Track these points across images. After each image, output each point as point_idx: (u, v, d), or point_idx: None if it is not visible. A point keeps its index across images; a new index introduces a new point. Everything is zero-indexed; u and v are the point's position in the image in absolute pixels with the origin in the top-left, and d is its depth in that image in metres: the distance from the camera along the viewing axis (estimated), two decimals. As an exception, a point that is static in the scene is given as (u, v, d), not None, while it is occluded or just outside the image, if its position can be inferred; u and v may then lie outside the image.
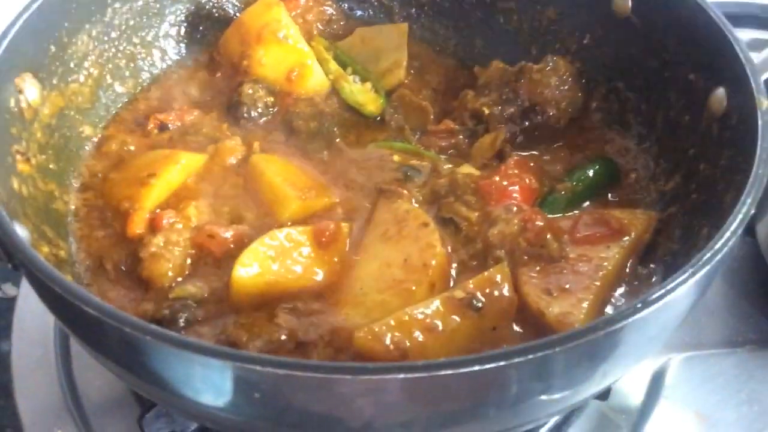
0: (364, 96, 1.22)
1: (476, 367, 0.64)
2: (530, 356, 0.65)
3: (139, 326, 0.67)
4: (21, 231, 0.83)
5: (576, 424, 1.06)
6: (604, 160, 1.16)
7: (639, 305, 0.71)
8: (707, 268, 0.75)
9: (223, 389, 0.69)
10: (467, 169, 1.12)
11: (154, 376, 0.73)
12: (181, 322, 0.92)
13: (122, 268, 1.00)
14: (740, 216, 0.79)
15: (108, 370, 0.86)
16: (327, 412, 0.70)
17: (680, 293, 0.73)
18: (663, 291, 0.72)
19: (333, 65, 1.25)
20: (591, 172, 1.13)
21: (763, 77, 0.97)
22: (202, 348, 0.66)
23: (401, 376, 0.64)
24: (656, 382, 1.10)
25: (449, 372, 0.65)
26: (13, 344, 1.17)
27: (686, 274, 0.74)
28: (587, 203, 1.11)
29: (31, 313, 1.20)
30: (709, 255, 0.76)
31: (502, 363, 0.65)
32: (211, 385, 0.69)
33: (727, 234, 0.77)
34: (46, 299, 0.80)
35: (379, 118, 1.23)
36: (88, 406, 1.10)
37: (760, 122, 0.89)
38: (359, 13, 1.38)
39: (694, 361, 1.13)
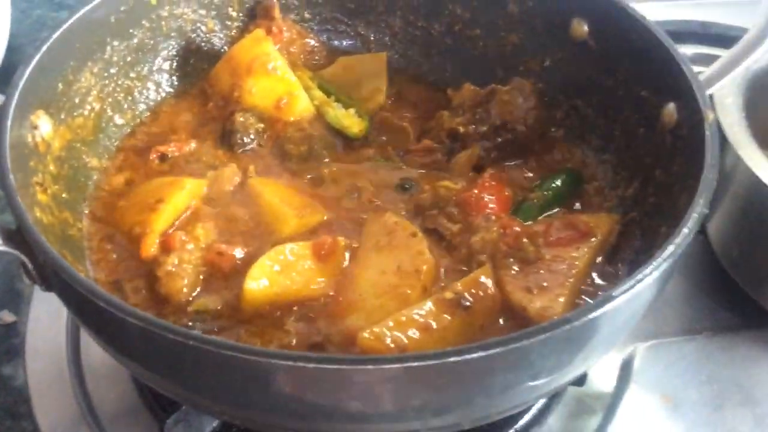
0: (348, 120, 1.33)
1: (480, 353, 0.74)
2: (524, 342, 0.76)
3: (182, 333, 0.76)
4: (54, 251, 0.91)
5: (556, 409, 1.16)
6: (570, 171, 1.28)
7: (612, 295, 0.82)
8: (669, 262, 0.86)
9: (258, 385, 0.78)
10: (447, 183, 1.22)
11: (191, 379, 0.82)
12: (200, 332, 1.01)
13: (140, 288, 1.08)
14: (694, 215, 0.90)
15: (137, 377, 0.94)
16: (347, 400, 0.79)
17: (646, 284, 0.84)
18: (632, 282, 0.83)
19: (317, 93, 1.35)
20: (558, 182, 1.25)
21: (708, 92, 1.10)
22: (247, 350, 0.75)
23: (414, 364, 0.74)
24: (625, 368, 1.21)
25: (456, 359, 0.75)
26: (28, 366, 1.24)
27: (651, 267, 0.86)
28: (556, 209, 1.23)
29: (42, 337, 1.27)
30: (670, 250, 0.87)
31: (499, 349, 0.76)
32: (247, 383, 0.78)
33: (684, 231, 0.88)
34: (84, 315, 0.88)
35: (362, 140, 1.33)
36: (104, 418, 1.17)
37: (707, 132, 1.00)
38: (337, 43, 1.48)
39: (658, 348, 1.24)
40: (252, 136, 1.29)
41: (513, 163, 1.29)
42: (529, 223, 1.18)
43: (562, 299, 1.03)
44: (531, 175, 1.28)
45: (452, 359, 0.74)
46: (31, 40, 1.91)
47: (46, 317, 1.29)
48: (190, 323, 1.01)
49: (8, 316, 1.36)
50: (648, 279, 0.84)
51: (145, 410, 1.17)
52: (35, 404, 1.20)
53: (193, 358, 0.78)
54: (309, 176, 1.26)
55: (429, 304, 0.99)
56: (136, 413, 1.17)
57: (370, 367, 0.73)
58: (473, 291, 1.02)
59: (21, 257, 0.90)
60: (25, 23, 1.95)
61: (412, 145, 1.31)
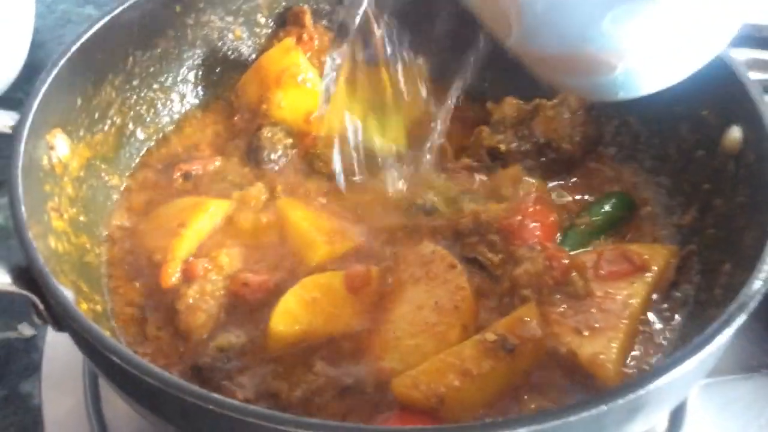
0: (383, 136, 1.25)
1: (534, 426, 0.67)
2: (584, 414, 0.68)
3: (202, 396, 0.69)
4: (67, 293, 0.85)
5: (604, 454, 1.09)
6: (620, 194, 1.19)
7: (683, 356, 0.74)
8: (743, 315, 0.78)
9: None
10: (491, 205, 1.14)
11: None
12: (221, 372, 0.94)
13: (159, 320, 1.01)
14: (767, 266, 0.82)
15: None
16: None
17: (719, 341, 0.76)
18: (706, 338, 0.75)
19: (354, 106, 1.27)
20: (608, 206, 1.16)
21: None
22: (269, 416, 0.68)
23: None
24: (678, 409, 1.13)
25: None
26: (43, 389, 1.18)
27: (721, 323, 0.77)
28: (605, 237, 1.14)
29: (59, 357, 1.21)
30: (744, 301, 0.79)
31: (553, 422, 0.68)
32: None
33: (758, 283, 0.80)
34: (98, 363, 0.81)
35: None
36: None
37: (779, 164, 0.92)
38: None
39: (712, 388, 1.16)
40: (279, 153, 1.22)
41: (557, 183, 1.21)
42: (577, 252, 1.09)
43: (615, 344, 0.95)
44: (578, 197, 1.19)
45: (500, 432, 0.66)
46: (55, 35, 1.87)
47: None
48: (209, 360, 0.93)
49: (27, 330, 1.31)
50: (721, 335, 0.76)
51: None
52: (48, 427, 1.14)
53: (211, 421, 0.71)
54: (340, 196, 1.18)
55: (469, 348, 0.92)
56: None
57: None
58: (517, 332, 0.94)
59: (31, 298, 0.84)
60: (50, 19, 1.91)
61: (450, 163, 1.23)
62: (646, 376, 0.72)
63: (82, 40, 1.08)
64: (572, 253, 1.08)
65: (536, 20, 0.79)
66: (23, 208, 0.87)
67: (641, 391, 0.70)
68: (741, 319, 0.77)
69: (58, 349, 1.22)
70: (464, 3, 0.85)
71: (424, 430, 0.68)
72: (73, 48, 1.07)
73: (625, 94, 0.86)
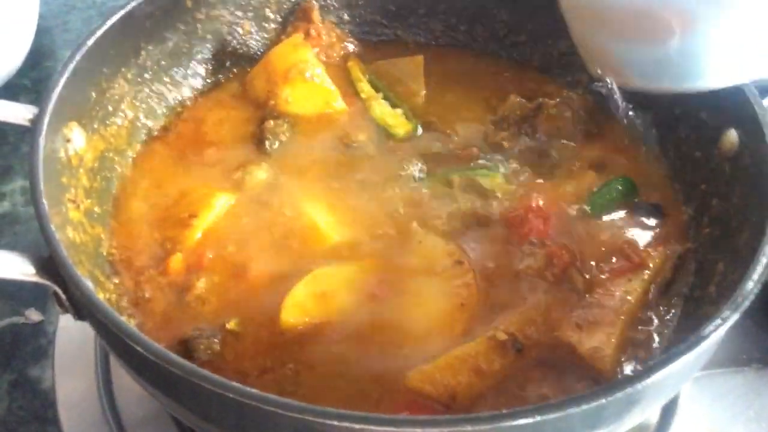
0: (393, 119, 1.27)
1: (537, 418, 0.70)
2: (584, 407, 0.71)
3: (220, 384, 0.72)
4: (87, 282, 0.88)
5: (597, 445, 1.13)
6: (624, 179, 1.20)
7: (676, 353, 0.77)
8: (736, 313, 0.81)
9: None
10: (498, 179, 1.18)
11: (226, 424, 0.79)
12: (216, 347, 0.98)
13: (168, 307, 1.04)
14: (761, 266, 0.85)
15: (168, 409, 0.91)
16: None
17: (712, 340, 0.80)
18: (699, 338, 0.79)
19: (366, 86, 1.31)
20: (613, 192, 1.18)
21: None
22: (282, 404, 0.71)
23: (468, 428, 0.70)
24: (670, 402, 1.16)
25: (509, 423, 0.71)
26: (56, 373, 1.21)
27: (715, 321, 0.81)
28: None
29: (71, 342, 1.24)
30: (737, 299, 0.82)
31: (558, 414, 0.71)
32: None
33: (750, 284, 0.83)
34: (117, 350, 0.84)
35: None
36: (129, 427, 1.13)
37: (773, 168, 0.95)
38: (377, 46, 1.42)
39: (703, 381, 1.19)
40: (285, 142, 1.24)
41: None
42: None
43: (613, 339, 0.98)
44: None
45: (505, 423, 0.70)
46: (60, 22, 1.89)
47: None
48: (219, 347, 0.97)
49: (35, 315, 1.33)
50: (716, 332, 0.80)
51: (171, 422, 1.13)
52: (61, 410, 1.17)
53: (231, 408, 0.74)
54: (347, 179, 1.20)
55: (480, 345, 0.96)
56: (163, 424, 1.13)
57: (419, 430, 0.69)
58: (526, 331, 0.98)
59: (54, 287, 0.86)
60: (54, 5, 1.92)
61: (457, 150, 1.25)
62: (643, 371, 0.75)
63: (97, 35, 1.10)
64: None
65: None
66: (44, 200, 0.89)
67: (639, 386, 0.74)
68: (734, 318, 0.81)
69: (69, 333, 1.24)
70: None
71: (437, 420, 0.71)
72: (89, 42, 1.09)
73: (678, 80, 0.82)
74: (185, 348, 0.98)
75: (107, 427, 1.14)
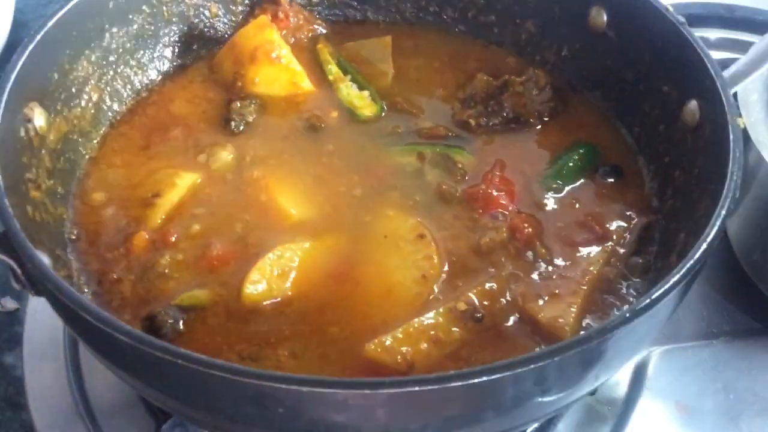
0: (360, 101, 1.27)
1: (483, 378, 0.70)
2: (531, 366, 0.72)
3: (172, 352, 0.72)
4: (44, 258, 0.88)
5: (566, 416, 1.13)
6: (587, 145, 1.21)
7: (627, 315, 0.78)
8: (688, 277, 0.82)
9: (249, 406, 0.74)
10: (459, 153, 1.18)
11: (182, 394, 0.79)
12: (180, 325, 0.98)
13: (129, 283, 1.04)
14: (716, 228, 0.85)
15: (131, 387, 0.91)
16: (346, 422, 0.76)
17: (664, 301, 0.80)
18: (649, 301, 0.79)
19: (334, 68, 1.31)
20: (576, 157, 1.19)
21: (732, 91, 1.04)
22: (230, 369, 0.71)
23: (416, 389, 0.70)
24: (639, 374, 1.17)
25: (458, 384, 0.71)
26: (25, 360, 1.21)
27: (669, 284, 0.81)
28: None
29: (40, 329, 1.24)
30: (690, 265, 0.83)
31: (505, 373, 0.71)
32: (239, 402, 0.75)
33: (705, 246, 0.84)
34: (73, 325, 0.84)
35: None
36: (100, 414, 1.14)
37: (731, 136, 0.95)
38: (346, 28, 1.42)
39: (672, 353, 1.20)
40: (251, 123, 1.24)
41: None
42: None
43: (574, 309, 0.99)
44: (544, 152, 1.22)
45: (454, 384, 0.70)
46: (37, 15, 1.87)
47: (46, 306, 1.25)
48: (183, 324, 0.97)
49: (10, 303, 1.33)
50: (668, 296, 0.80)
51: (142, 408, 1.13)
52: (30, 397, 1.17)
53: (182, 376, 0.74)
54: (313, 158, 1.20)
55: (440, 315, 0.96)
56: (133, 411, 1.14)
57: (367, 392, 0.69)
58: (485, 302, 0.99)
59: (9, 262, 0.87)
60: (32, -2, 1.91)
61: (424, 129, 1.26)
62: (594, 331, 0.75)
63: (58, 16, 1.10)
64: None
65: None
66: (1, 178, 0.89)
67: (589, 346, 0.74)
68: (685, 281, 0.81)
69: (39, 320, 1.25)
70: None
71: (401, 382, 0.71)
72: (49, 23, 1.08)
73: None
74: (151, 325, 0.99)
75: (77, 413, 1.14)
